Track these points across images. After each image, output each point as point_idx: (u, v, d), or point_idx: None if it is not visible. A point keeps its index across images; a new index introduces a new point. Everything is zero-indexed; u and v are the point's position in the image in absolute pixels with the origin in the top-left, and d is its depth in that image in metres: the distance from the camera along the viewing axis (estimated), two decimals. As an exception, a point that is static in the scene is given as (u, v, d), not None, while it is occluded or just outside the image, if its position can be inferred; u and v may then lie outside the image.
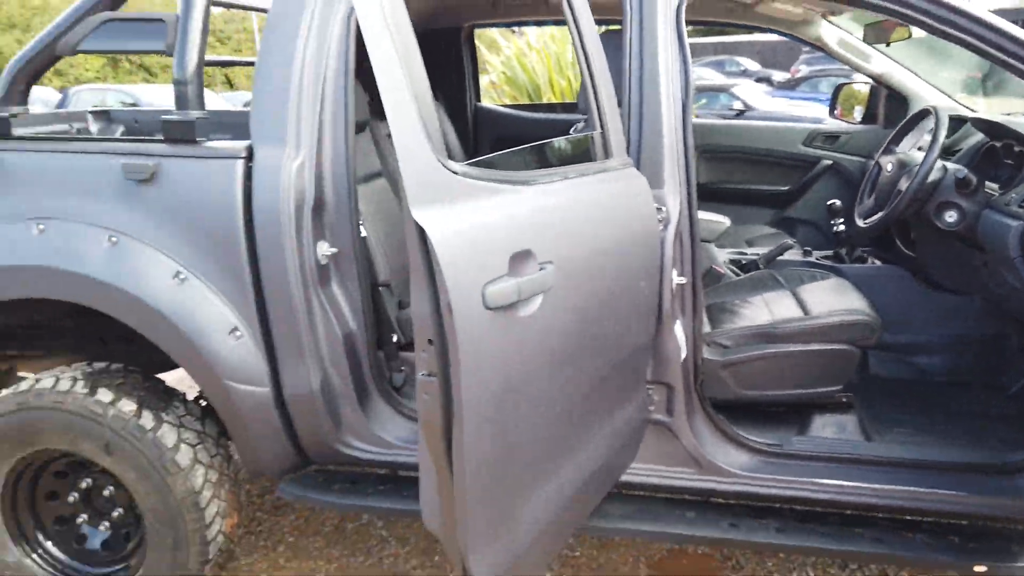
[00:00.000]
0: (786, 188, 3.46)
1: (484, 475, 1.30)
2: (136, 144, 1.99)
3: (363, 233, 2.12)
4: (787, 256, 2.88)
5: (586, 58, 1.73)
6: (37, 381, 2.08)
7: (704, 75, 16.58)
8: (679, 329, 1.92)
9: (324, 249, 1.93)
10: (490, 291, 1.23)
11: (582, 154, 1.76)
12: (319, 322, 1.95)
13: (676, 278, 1.88)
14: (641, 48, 1.90)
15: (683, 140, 1.88)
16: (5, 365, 2.56)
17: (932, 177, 2.25)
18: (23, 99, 2.16)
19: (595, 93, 1.73)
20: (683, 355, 1.92)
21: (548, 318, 1.38)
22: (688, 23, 1.93)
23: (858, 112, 3.29)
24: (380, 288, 2.23)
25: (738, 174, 3.49)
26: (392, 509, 2.10)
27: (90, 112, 3.13)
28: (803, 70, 18.33)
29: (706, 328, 2.24)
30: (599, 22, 2.28)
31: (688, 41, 1.92)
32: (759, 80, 17.71)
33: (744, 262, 2.92)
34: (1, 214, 2.00)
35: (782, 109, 12.73)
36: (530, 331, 1.36)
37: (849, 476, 1.95)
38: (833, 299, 2.35)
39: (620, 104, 1.89)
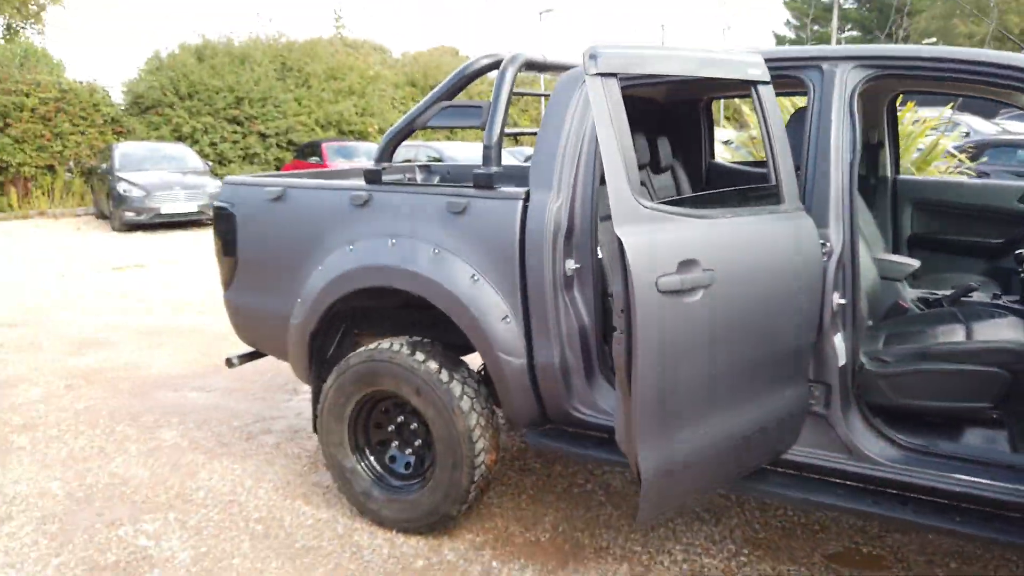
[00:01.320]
0: (999, 241, 3.69)
1: (650, 401, 2.01)
2: (456, 189, 2.99)
3: (599, 255, 2.91)
4: (975, 296, 3.19)
5: (767, 130, 2.39)
6: (379, 344, 3.13)
7: (1010, 127, 15.44)
8: (839, 340, 2.46)
9: (571, 265, 2.76)
10: (661, 281, 1.97)
11: (757, 199, 2.40)
12: (562, 316, 2.77)
13: (837, 299, 2.43)
14: (819, 123, 2.51)
15: (848, 191, 2.45)
16: (355, 338, 3.69)
17: None
18: (390, 158, 3.28)
19: (773, 155, 2.38)
20: (841, 362, 2.45)
21: (706, 306, 2.07)
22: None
23: None
24: (607, 295, 3.00)
25: (953, 227, 3.79)
26: (605, 459, 2.83)
27: (418, 165, 4.39)
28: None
29: (879, 346, 2.71)
30: (788, 94, 2.89)
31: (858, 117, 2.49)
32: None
33: (931, 300, 3.27)
34: (372, 232, 3.09)
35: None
36: (690, 312, 2.06)
37: (987, 475, 2.32)
38: (998, 332, 2.69)
39: (800, 165, 2.51)
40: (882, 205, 3.83)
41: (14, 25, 18.50)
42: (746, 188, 2.50)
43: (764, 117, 2.39)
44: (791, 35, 50.66)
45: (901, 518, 2.38)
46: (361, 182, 3.26)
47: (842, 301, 2.45)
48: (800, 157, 2.50)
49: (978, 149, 10.68)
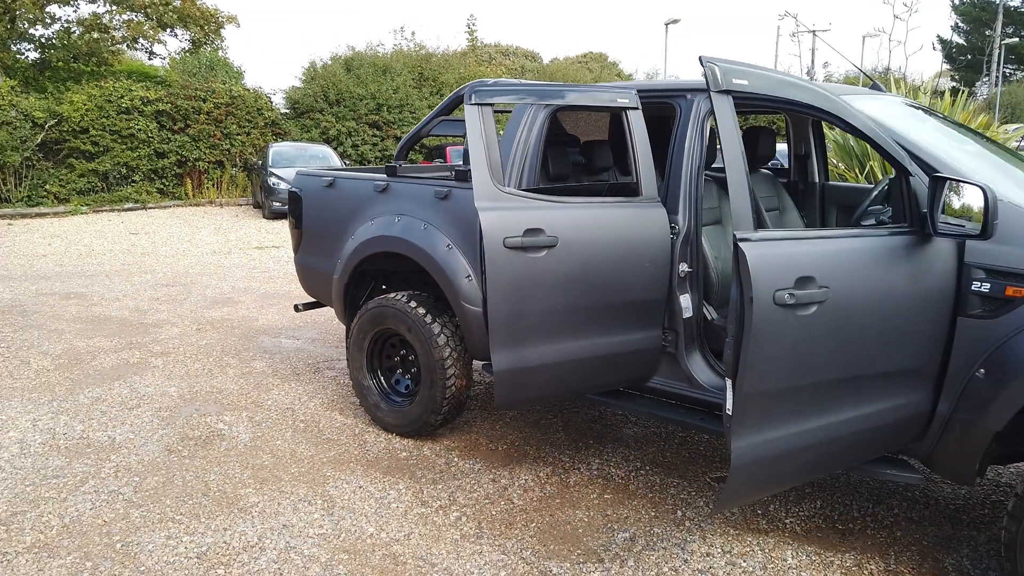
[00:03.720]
0: None
1: (503, 325, 2.97)
2: (441, 181, 4.05)
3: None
4: None
5: (632, 143, 3.28)
6: (388, 295, 4.24)
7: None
8: (685, 299, 3.31)
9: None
10: (507, 240, 2.95)
11: (620, 192, 3.29)
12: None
13: (684, 267, 3.29)
14: (678, 138, 3.35)
15: (695, 187, 3.27)
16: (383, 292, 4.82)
17: None
18: (405, 156, 4.39)
19: (635, 161, 3.27)
20: (687, 315, 3.31)
21: (551, 262, 3.01)
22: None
23: None
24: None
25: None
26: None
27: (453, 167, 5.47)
28: None
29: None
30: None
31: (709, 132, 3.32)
32: None
33: None
34: (386, 211, 4.20)
35: None
36: (535, 264, 3.01)
37: None
38: None
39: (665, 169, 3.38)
40: (811, 206, 4.51)
41: (198, 40, 21.38)
42: (613, 183, 3.39)
43: (631, 134, 3.29)
44: (959, 39, 47.81)
45: (718, 429, 3.21)
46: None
47: (688, 269, 3.30)
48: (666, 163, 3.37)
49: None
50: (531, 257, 2.99)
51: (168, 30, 20.70)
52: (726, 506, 2.59)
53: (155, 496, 3.55)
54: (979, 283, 2.57)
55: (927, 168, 2.70)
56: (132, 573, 2.93)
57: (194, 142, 18.19)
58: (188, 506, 3.46)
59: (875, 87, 3.69)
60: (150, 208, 17.27)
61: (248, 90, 19.17)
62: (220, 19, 20.89)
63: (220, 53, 25.75)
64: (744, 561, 3.06)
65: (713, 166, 4.35)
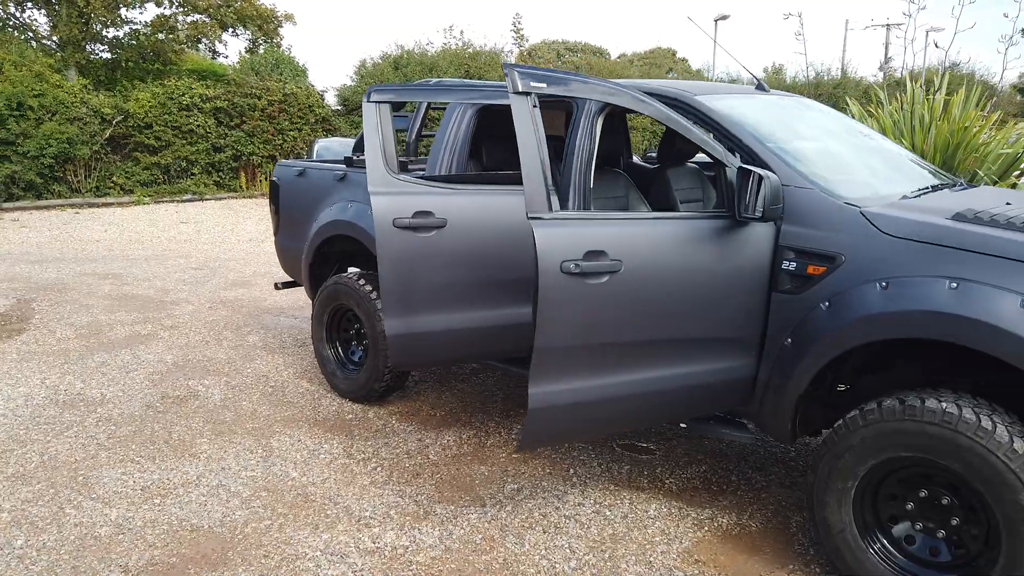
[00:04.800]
0: None
1: (393, 292, 3.40)
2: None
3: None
4: None
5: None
6: (342, 274, 4.71)
7: None
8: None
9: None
10: (396, 221, 3.36)
11: (514, 181, 3.65)
12: None
13: None
14: (572, 134, 3.68)
15: (584, 175, 3.60)
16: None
17: None
18: (362, 149, 4.85)
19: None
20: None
21: (438, 241, 3.42)
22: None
23: None
24: None
25: None
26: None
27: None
28: None
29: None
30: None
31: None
32: None
33: None
34: (342, 198, 4.67)
35: None
36: (423, 242, 3.42)
37: None
38: None
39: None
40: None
41: (257, 38, 22.41)
42: (508, 173, 3.76)
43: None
44: None
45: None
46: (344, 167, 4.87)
47: None
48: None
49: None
50: (421, 236, 3.41)
51: (229, 30, 21.76)
52: (528, 446, 2.90)
53: (123, 442, 4.11)
54: (788, 262, 2.87)
55: (750, 160, 3.00)
56: (84, 499, 3.48)
57: (249, 137, 19.13)
58: (148, 451, 4.01)
59: (759, 87, 3.95)
60: (207, 199, 18.28)
61: (300, 88, 20.04)
62: (278, 18, 21.84)
63: (285, 52, 26.93)
64: (609, 511, 3.41)
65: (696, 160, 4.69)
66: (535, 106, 2.61)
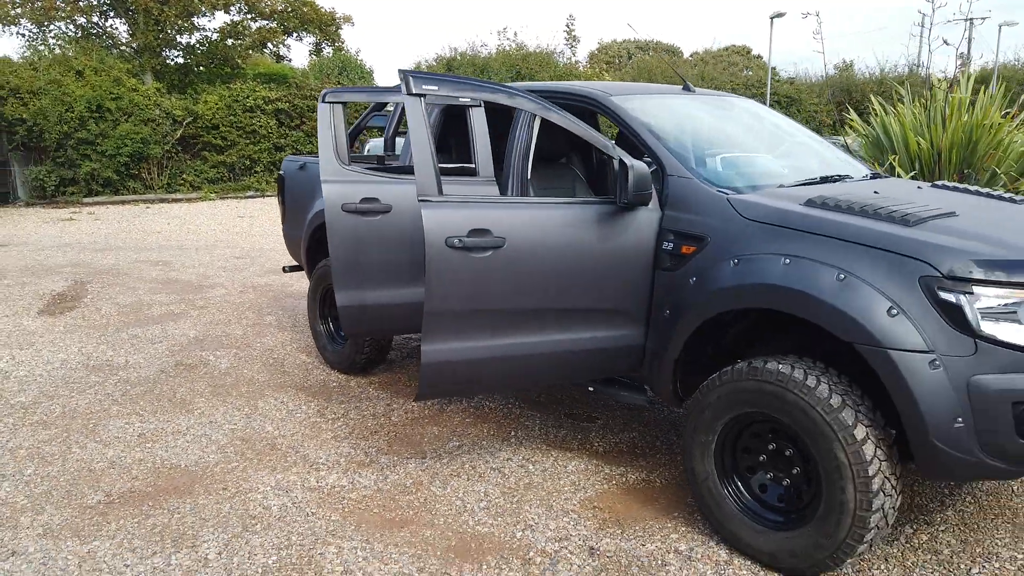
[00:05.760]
0: None
1: (343, 268, 3.89)
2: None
3: None
4: None
5: (473, 137, 4.08)
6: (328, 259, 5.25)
7: None
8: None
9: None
10: (344, 205, 3.85)
11: (460, 173, 4.10)
12: None
13: None
14: (511, 132, 4.09)
15: (522, 169, 4.03)
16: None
17: None
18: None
19: (474, 150, 4.08)
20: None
21: (380, 223, 3.89)
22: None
23: None
24: None
25: None
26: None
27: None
28: None
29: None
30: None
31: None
32: None
33: None
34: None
35: None
36: (370, 224, 3.91)
37: None
38: None
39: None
40: None
41: (320, 43, 23.46)
42: (463, 166, 4.20)
43: (472, 127, 4.08)
44: None
45: None
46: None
47: None
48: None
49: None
50: (367, 220, 3.89)
51: (292, 34, 22.85)
52: (425, 396, 3.30)
53: (134, 399, 4.74)
54: (667, 243, 3.23)
55: (645, 154, 3.38)
56: (89, 441, 4.10)
57: (308, 137, 20.10)
58: (152, 407, 4.62)
59: (686, 87, 4.28)
60: (267, 195, 19.31)
61: (358, 89, 20.91)
62: (337, 21, 22.80)
63: (352, 55, 27.98)
64: (532, 466, 3.83)
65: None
66: (426, 106, 3.06)
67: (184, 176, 19.07)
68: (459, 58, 21.92)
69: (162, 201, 17.98)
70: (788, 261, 2.81)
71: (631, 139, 3.53)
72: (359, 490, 3.58)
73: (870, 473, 2.59)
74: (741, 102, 4.41)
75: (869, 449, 2.60)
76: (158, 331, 6.30)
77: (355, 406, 4.65)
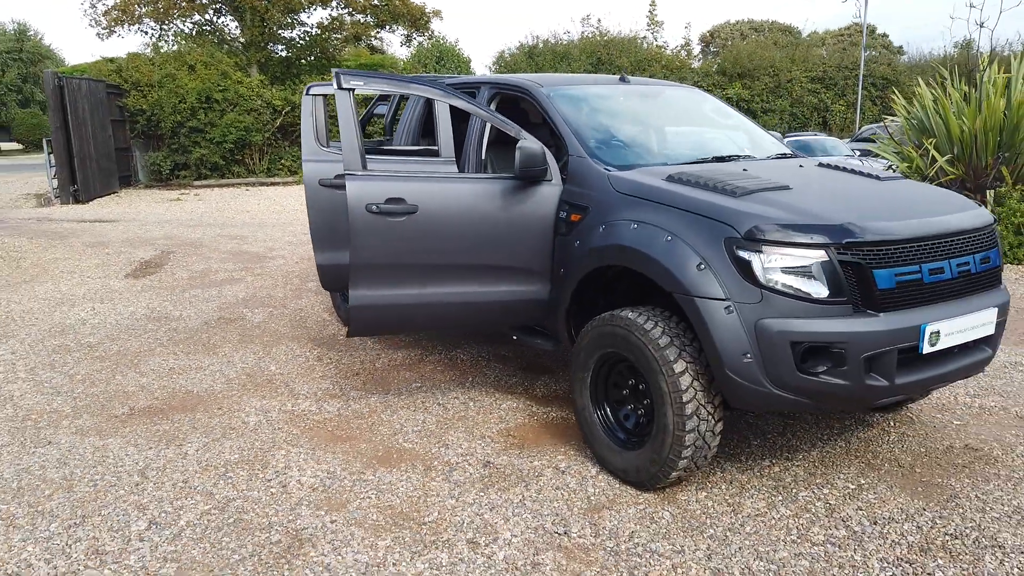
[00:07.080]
0: None
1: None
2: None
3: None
4: None
5: (437, 123, 4.75)
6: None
7: None
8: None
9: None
10: (320, 180, 4.62)
11: (426, 155, 4.77)
12: None
13: None
14: (472, 120, 4.73)
15: (477, 152, 4.66)
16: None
17: None
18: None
19: (437, 134, 4.76)
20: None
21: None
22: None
23: None
24: None
25: None
26: None
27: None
28: None
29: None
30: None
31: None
32: None
33: None
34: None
35: None
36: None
37: None
38: None
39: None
40: None
41: (411, 35, 24.58)
42: (429, 148, 4.87)
43: (436, 115, 4.74)
44: None
45: None
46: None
47: None
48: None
49: None
50: (340, 194, 4.63)
51: (385, 27, 24.07)
52: (355, 334, 3.99)
53: (175, 342, 5.73)
54: (563, 212, 3.83)
55: (558, 138, 3.98)
56: (130, 371, 5.08)
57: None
58: (186, 348, 5.58)
59: (622, 79, 4.77)
60: (357, 180, 20.60)
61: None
62: (427, 15, 23.84)
63: (451, 44, 29.08)
64: (474, 404, 4.50)
65: None
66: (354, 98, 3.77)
67: (283, 161, 20.61)
68: (541, 46, 22.52)
69: (261, 184, 19.56)
70: (636, 226, 3.36)
71: (548, 124, 4.12)
72: (323, 414, 4.36)
73: (684, 400, 3.12)
74: (673, 90, 4.88)
75: (686, 380, 3.14)
76: (214, 292, 7.34)
77: (351, 355, 5.45)
